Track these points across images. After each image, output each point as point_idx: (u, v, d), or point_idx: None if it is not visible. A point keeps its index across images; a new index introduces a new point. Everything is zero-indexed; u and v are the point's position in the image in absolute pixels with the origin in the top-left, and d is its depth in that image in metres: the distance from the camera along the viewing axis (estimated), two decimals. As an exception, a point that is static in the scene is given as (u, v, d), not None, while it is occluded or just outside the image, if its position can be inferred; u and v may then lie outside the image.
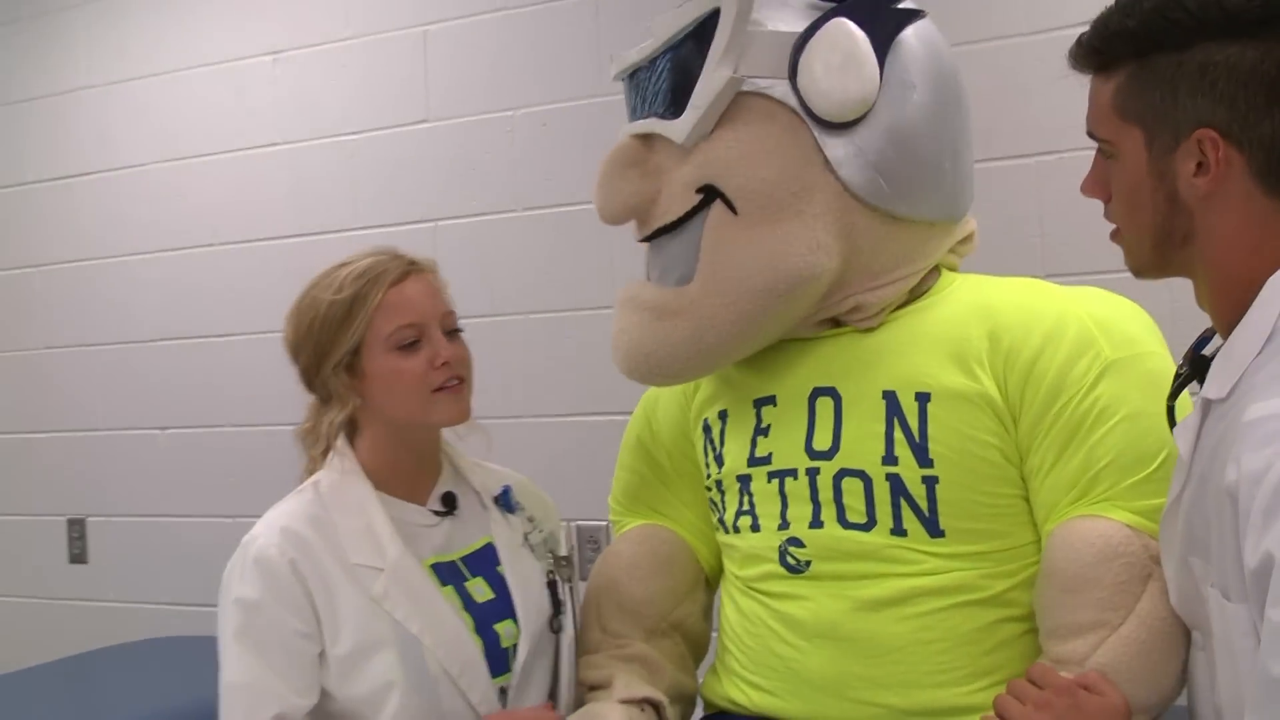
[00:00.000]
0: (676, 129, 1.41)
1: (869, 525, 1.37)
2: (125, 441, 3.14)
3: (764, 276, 1.37)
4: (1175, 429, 1.21)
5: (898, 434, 1.36)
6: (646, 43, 1.47)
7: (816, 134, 1.38)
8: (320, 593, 1.47)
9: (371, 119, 2.83)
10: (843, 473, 1.39)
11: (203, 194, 3.03)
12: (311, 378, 1.57)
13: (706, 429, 1.56)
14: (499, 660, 1.53)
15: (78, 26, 3.20)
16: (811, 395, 1.44)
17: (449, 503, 1.61)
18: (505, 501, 1.66)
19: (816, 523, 1.40)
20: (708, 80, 1.38)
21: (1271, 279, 1.08)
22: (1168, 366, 1.32)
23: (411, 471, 1.60)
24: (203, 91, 3.03)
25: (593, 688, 1.52)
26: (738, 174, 1.39)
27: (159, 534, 3.08)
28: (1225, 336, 1.15)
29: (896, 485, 1.36)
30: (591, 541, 2.61)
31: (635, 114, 1.51)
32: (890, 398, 1.38)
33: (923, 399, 1.36)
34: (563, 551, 1.60)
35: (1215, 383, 1.13)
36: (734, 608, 1.51)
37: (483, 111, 2.71)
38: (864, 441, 1.38)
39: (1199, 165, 1.09)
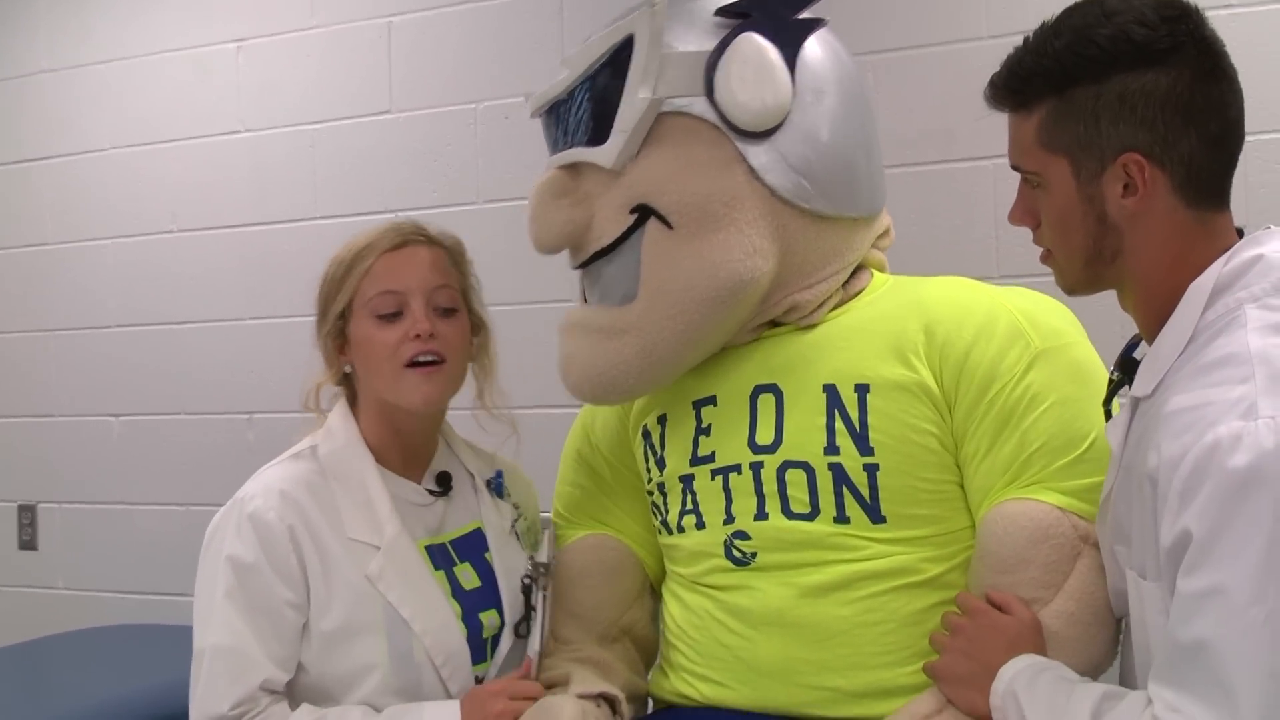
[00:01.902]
0: (604, 154, 1.45)
1: (813, 515, 1.40)
2: (79, 428, 3.11)
3: (707, 286, 1.41)
4: (1108, 426, 1.28)
5: (839, 425, 1.40)
6: (561, 77, 1.51)
7: (738, 145, 1.43)
8: (314, 564, 1.45)
9: (334, 109, 2.83)
10: (786, 465, 1.42)
11: (163, 180, 3.01)
12: (319, 333, 1.57)
13: (646, 435, 1.59)
14: (478, 649, 1.53)
15: (39, 9, 3.17)
16: (753, 393, 1.48)
17: (444, 483, 1.60)
18: (497, 487, 1.66)
19: (761, 515, 1.43)
20: (630, 104, 1.43)
21: (1192, 285, 1.16)
22: (1092, 356, 1.41)
23: (408, 447, 1.58)
24: (165, 77, 3.02)
25: (548, 687, 1.52)
26: (670, 191, 1.43)
27: (111, 521, 3.06)
28: (1150, 340, 1.22)
29: (839, 474, 1.39)
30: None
31: (557, 146, 1.54)
32: (830, 391, 1.42)
33: (862, 390, 1.40)
34: (543, 558, 1.56)
35: (1142, 381, 1.20)
36: (679, 605, 1.53)
37: (445, 104, 2.72)
38: (806, 433, 1.42)
39: (1125, 187, 1.16)
